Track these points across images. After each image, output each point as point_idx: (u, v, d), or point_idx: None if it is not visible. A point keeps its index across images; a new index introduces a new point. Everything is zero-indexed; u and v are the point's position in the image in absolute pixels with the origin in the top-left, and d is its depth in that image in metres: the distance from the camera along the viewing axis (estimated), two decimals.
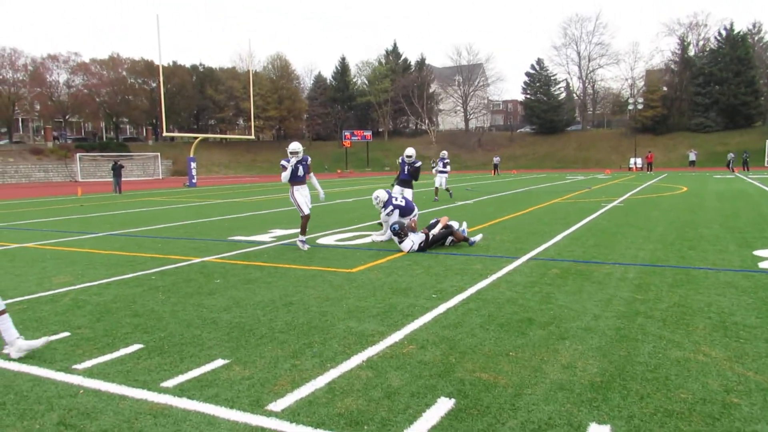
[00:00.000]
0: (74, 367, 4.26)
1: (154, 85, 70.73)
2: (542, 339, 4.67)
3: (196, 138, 45.01)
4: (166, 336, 4.97)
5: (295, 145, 9.61)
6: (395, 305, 5.81)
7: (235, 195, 26.51)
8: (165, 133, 40.64)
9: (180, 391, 3.78)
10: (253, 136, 46.99)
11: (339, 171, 62.88)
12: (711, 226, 11.35)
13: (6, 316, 4.59)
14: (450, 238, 9.39)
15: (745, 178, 32.49)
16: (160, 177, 57.88)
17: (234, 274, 7.58)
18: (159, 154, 59.96)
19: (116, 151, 58.40)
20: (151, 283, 7.12)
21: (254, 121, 44.48)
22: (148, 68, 70.01)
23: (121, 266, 8.31)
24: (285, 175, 9.57)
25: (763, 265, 7.44)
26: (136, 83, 71.65)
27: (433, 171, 20.77)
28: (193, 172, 37.40)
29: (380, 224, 11.32)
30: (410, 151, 13.33)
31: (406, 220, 9.99)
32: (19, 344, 4.54)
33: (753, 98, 63.53)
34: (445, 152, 21.49)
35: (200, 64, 77.13)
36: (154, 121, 73.42)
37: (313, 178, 9.89)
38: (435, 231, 9.24)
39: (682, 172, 43.95)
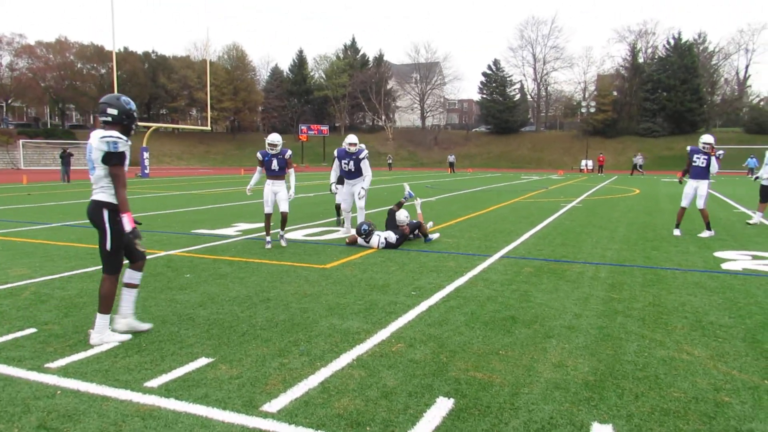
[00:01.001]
0: (47, 365, 4.02)
1: (103, 71, 68.49)
2: (529, 338, 4.68)
3: (149, 127, 43.71)
4: (141, 333, 4.76)
5: (274, 137, 9.14)
6: (376, 302, 5.73)
7: (191, 187, 25.89)
8: None
9: (166, 391, 3.61)
10: (209, 127, 45.94)
11: (295, 165, 62.18)
12: (669, 227, 11.70)
13: (135, 291, 4.82)
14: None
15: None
16: None
17: (203, 269, 7.35)
18: None
19: (62, 138, 56.24)
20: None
21: (210, 112, 43.46)
22: (97, 53, 67.71)
23: (82, 259, 7.96)
24: (259, 169, 9.38)
25: (725, 266, 7.70)
26: (84, 69, 69.13)
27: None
28: (146, 162, 36.32)
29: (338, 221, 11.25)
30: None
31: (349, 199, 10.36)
32: (130, 321, 4.70)
33: (698, 105, 65.99)
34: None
35: (153, 52, 75.07)
36: None
37: (291, 175, 9.27)
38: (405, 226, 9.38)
39: (631, 175, 45.31)
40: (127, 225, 4.42)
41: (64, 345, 4.44)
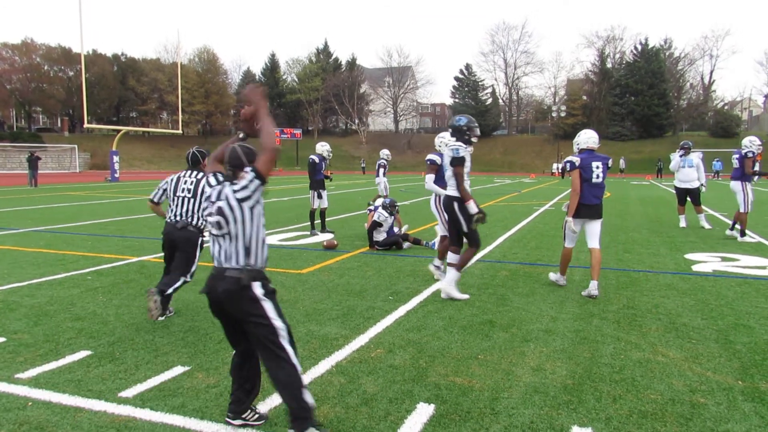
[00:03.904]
0: (17, 376, 3.90)
1: (71, 73, 67.16)
2: (506, 341, 4.70)
3: (118, 131, 42.94)
4: (114, 341, 4.66)
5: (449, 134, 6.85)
6: (353, 308, 5.71)
7: None
8: (86, 125, 38.38)
9: (141, 401, 3.53)
10: (180, 131, 45.30)
11: (280, 169, 61.70)
12: (640, 230, 11.89)
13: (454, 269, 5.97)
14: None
15: (659, 185, 34.39)
16: (78, 170, 54.94)
17: None
18: (76, 146, 56.91)
19: (28, 141, 54.96)
20: (88, 284, 6.68)
21: (181, 115, 42.89)
22: (65, 55, 66.35)
23: (51, 265, 7.77)
24: (431, 177, 7.05)
25: (696, 268, 7.85)
26: (51, 71, 67.69)
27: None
28: (116, 166, 35.68)
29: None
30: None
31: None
32: (450, 292, 5.83)
33: (665, 110, 67.40)
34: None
35: (122, 54, 73.83)
36: (71, 111, 69.70)
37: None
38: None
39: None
40: (473, 208, 5.78)
41: (35, 354, 4.32)
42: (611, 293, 6.38)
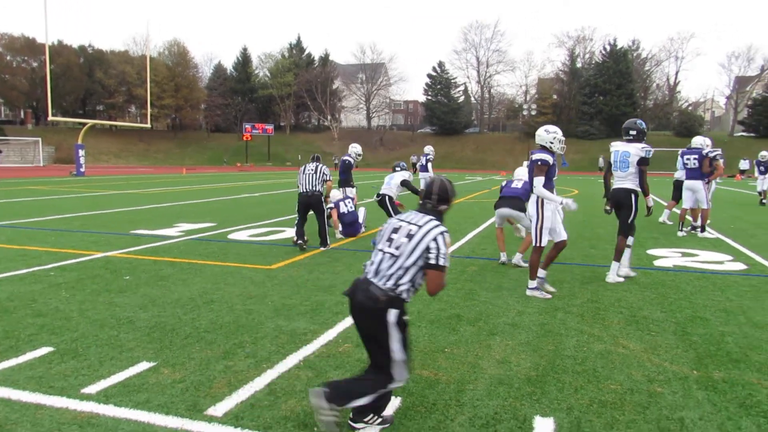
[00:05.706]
0: None
1: (35, 64, 65.53)
2: (473, 335, 4.77)
3: (84, 124, 42.04)
4: (78, 337, 4.59)
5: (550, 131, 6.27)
6: (323, 303, 5.72)
7: (130, 186, 25.06)
8: (51, 117, 37.48)
9: (105, 397, 3.49)
10: (149, 125, 44.55)
11: (238, 164, 61.28)
12: (605, 226, 12.14)
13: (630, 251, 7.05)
14: None
15: None
16: (42, 164, 53.63)
17: (144, 271, 7.14)
18: (40, 139, 55.51)
19: None
20: (51, 280, 6.55)
21: (150, 109, 42.23)
22: (28, 46, 64.66)
23: (12, 261, 7.60)
24: (540, 180, 6.08)
25: (657, 263, 8.06)
26: (14, 61, 65.91)
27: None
28: (81, 160, 34.93)
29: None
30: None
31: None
32: (626, 271, 7.00)
33: (632, 110, 68.56)
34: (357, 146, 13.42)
35: (89, 46, 72.23)
36: (35, 103, 68.00)
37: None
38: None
39: (570, 176, 46.73)
40: (651, 201, 6.80)
41: None
42: (576, 288, 6.51)
